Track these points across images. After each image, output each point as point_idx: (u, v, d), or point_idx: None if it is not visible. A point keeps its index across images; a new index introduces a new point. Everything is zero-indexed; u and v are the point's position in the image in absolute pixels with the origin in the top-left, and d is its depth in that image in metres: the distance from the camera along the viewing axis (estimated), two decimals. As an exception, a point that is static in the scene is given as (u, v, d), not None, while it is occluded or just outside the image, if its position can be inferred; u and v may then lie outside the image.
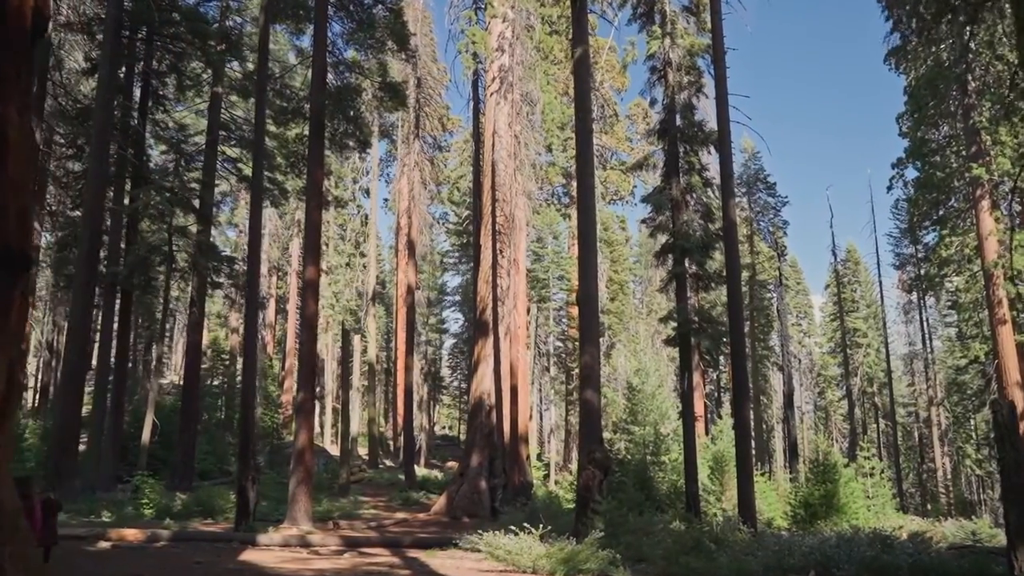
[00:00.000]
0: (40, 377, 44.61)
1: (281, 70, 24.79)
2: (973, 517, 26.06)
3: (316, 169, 18.27)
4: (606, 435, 26.38)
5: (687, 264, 18.85)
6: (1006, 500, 9.39)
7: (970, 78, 25.81)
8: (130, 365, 31.90)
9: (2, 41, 2.54)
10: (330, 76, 20.10)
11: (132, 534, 13.05)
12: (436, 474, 36.52)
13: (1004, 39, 24.26)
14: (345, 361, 34.06)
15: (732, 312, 17.60)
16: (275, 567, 10.98)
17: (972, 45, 25.54)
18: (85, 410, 23.96)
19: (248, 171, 25.12)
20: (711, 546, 12.23)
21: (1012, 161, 24.73)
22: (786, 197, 57.30)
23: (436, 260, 55.21)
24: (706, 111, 25.12)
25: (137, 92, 25.41)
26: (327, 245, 43.00)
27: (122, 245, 23.84)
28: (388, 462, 42.93)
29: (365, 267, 41.72)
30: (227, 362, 41.21)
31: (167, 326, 51.09)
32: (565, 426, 46.13)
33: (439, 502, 23.40)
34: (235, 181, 30.54)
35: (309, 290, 17.93)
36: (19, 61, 2.67)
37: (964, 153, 27.28)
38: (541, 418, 46.66)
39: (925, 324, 50.02)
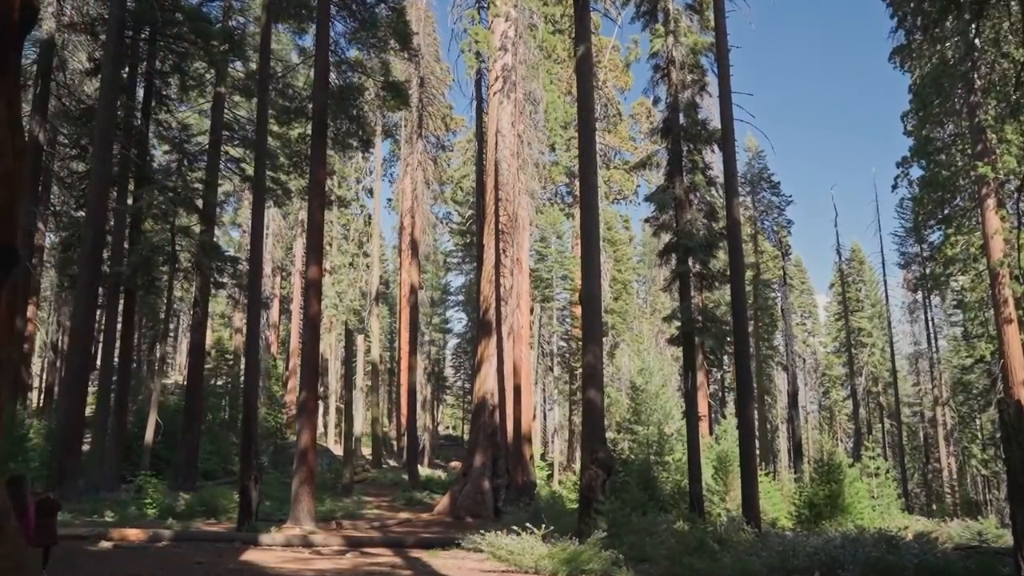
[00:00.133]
0: (45, 377, 44.75)
1: (284, 69, 24.79)
2: (979, 517, 25.89)
3: (319, 168, 18.26)
4: (610, 435, 26.32)
5: (691, 263, 18.78)
6: (1012, 500, 9.30)
7: (975, 76, 25.66)
8: (134, 365, 31.98)
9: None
10: (333, 75, 20.09)
11: (134, 534, 13.04)
12: (440, 474, 36.52)
13: (1010, 36, 24.14)
14: (348, 361, 34.06)
15: (736, 311, 17.52)
16: (276, 567, 10.96)
17: (977, 42, 25.40)
18: (89, 410, 24.00)
19: (251, 171, 25.15)
20: (715, 546, 12.17)
21: (1018, 159, 24.58)
22: (790, 196, 57.16)
23: (440, 260, 55.25)
24: (709, 109, 25.06)
25: (140, 92, 25.44)
26: (330, 245, 43.04)
27: (125, 245, 23.86)
28: (392, 462, 42.94)
29: (368, 267, 41.73)
30: (231, 362, 41.24)
31: (171, 326, 51.20)
32: (569, 426, 46.07)
33: (442, 502, 23.37)
34: (238, 181, 30.57)
35: (312, 290, 17.92)
36: (7, 55, 2.63)
37: (969, 151, 27.13)
38: (545, 418, 46.60)
39: (930, 323, 49.81)
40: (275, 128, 25.54)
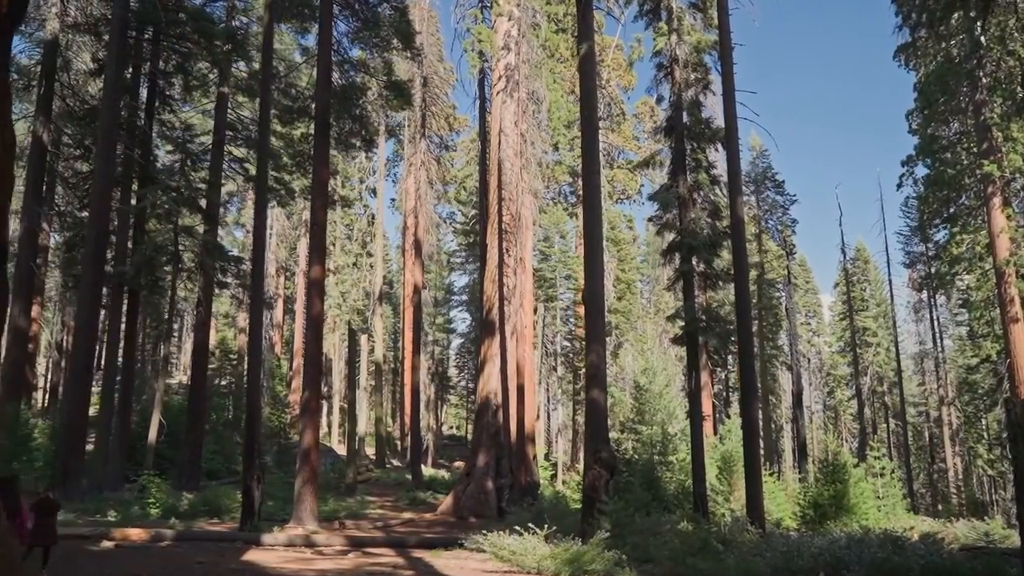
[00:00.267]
0: (50, 377, 44.87)
1: (286, 69, 24.79)
2: (985, 518, 25.75)
3: (322, 168, 18.25)
4: (613, 435, 26.20)
5: (694, 262, 18.70)
6: (1019, 500, 9.22)
7: (981, 74, 25.50)
8: (138, 365, 32.04)
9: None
10: (335, 75, 20.07)
11: (136, 534, 13.03)
12: (443, 474, 36.49)
13: (1015, 33, 23.97)
14: (352, 361, 34.06)
15: (740, 310, 17.44)
16: (277, 567, 10.93)
17: (983, 40, 25.25)
18: (93, 410, 24.03)
19: (255, 171, 25.17)
20: (718, 547, 12.10)
21: (1023, 157, 24.44)
22: (794, 195, 57.15)
23: (443, 260, 55.22)
24: (713, 108, 24.95)
25: (144, 92, 25.46)
26: (334, 245, 43.04)
27: (129, 245, 23.89)
28: (395, 462, 42.94)
29: (372, 267, 41.74)
30: (235, 362, 41.27)
31: (175, 326, 51.34)
32: (572, 426, 46.01)
33: (445, 502, 23.33)
34: (242, 181, 30.59)
35: (314, 289, 17.93)
36: (-4, 48, 2.59)
37: (975, 150, 26.97)
38: (548, 418, 46.52)
39: (936, 323, 49.59)
40: (278, 128, 25.55)
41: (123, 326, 23.81)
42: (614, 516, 12.95)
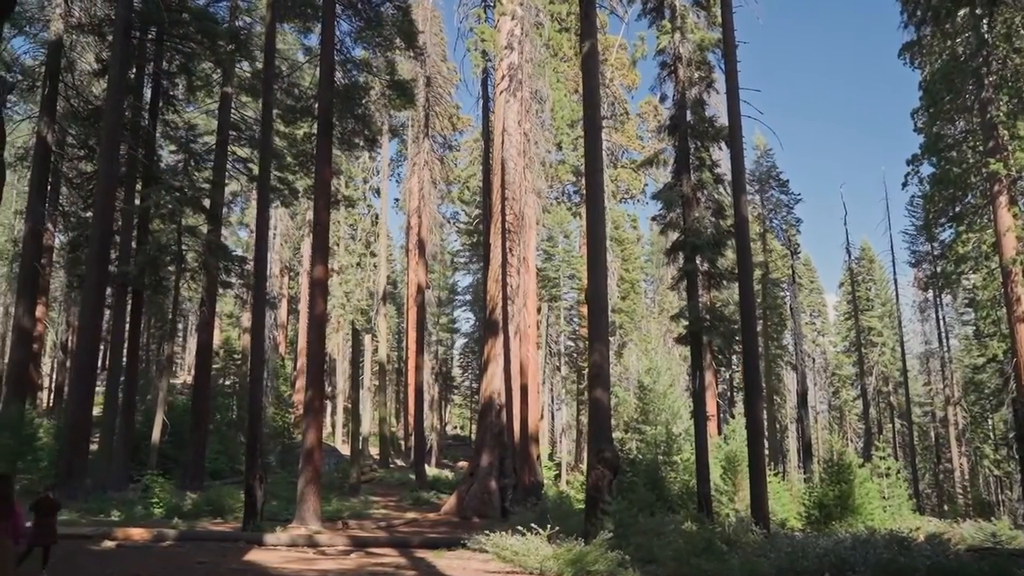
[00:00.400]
0: (55, 377, 45.02)
1: (289, 69, 24.78)
2: (992, 518, 25.56)
3: (324, 168, 18.23)
4: (617, 435, 26.15)
5: (698, 261, 18.62)
6: (1027, 501, 9.11)
7: (987, 71, 25.34)
8: (142, 365, 32.08)
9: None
10: (338, 74, 20.05)
11: (138, 533, 13.02)
12: (447, 474, 36.46)
13: (1022, 31, 23.82)
14: (356, 361, 34.08)
15: (744, 310, 17.36)
16: (279, 567, 10.90)
17: (989, 38, 25.10)
18: (97, 410, 24.08)
19: (258, 171, 25.18)
20: (723, 547, 12.03)
21: (1030, 155, 24.27)
22: (799, 194, 56.86)
23: (447, 260, 55.23)
24: (717, 106, 24.88)
25: (148, 93, 25.49)
26: (337, 245, 43.06)
27: (133, 245, 23.92)
28: (399, 462, 42.93)
29: (376, 267, 41.76)
30: (239, 362, 41.32)
31: (179, 326, 51.43)
32: (577, 426, 45.94)
33: (449, 502, 23.30)
34: (245, 181, 30.64)
35: (318, 289, 17.91)
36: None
37: (981, 148, 26.80)
38: (553, 418, 46.48)
39: (941, 322, 49.36)
40: (281, 128, 25.55)
41: (127, 326, 23.82)
42: (618, 516, 12.89)
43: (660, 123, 23.74)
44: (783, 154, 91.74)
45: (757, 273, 40.48)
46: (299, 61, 26.99)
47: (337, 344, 47.72)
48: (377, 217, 43.31)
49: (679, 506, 19.55)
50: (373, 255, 43.18)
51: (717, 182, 19.31)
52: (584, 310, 39.67)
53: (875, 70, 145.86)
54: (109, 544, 12.23)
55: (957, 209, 29.33)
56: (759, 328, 37.96)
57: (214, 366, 36.05)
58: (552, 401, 45.70)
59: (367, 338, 44.82)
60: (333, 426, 48.10)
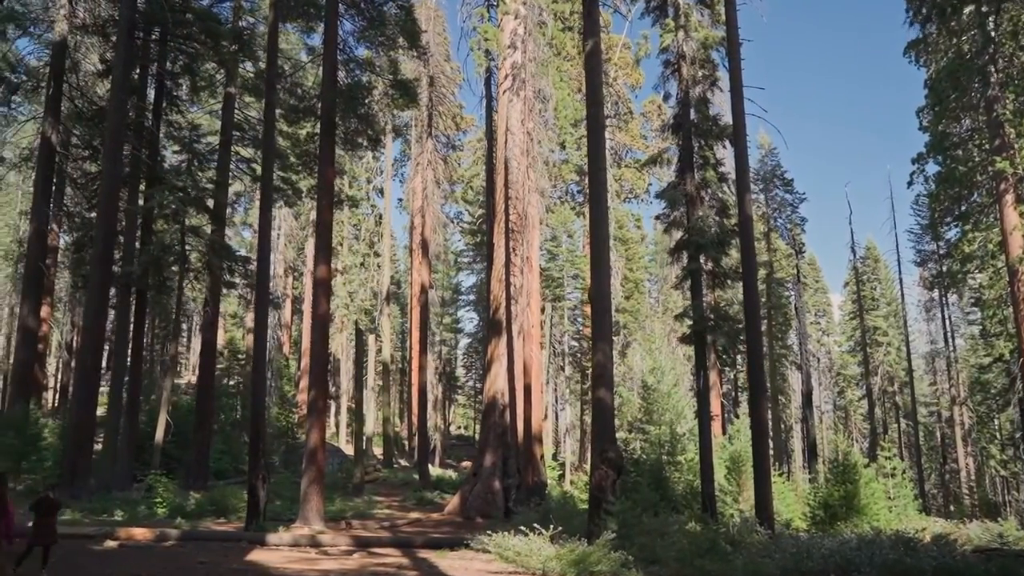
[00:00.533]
0: (60, 377, 45.15)
1: (292, 68, 24.78)
2: (999, 519, 25.43)
3: (327, 167, 18.21)
4: (621, 435, 26.10)
5: (702, 261, 18.55)
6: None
7: (993, 69, 25.20)
8: (146, 365, 32.14)
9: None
10: (341, 74, 20.01)
11: (140, 533, 13.01)
12: (451, 474, 36.44)
13: (1029, 28, 23.67)
14: (359, 361, 34.08)
15: (748, 309, 17.27)
16: (280, 567, 10.87)
17: (995, 35, 24.95)
18: (102, 410, 24.11)
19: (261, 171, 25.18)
20: (727, 548, 11.97)
21: (1037, 154, 24.12)
22: (804, 193, 56.30)
23: (450, 259, 55.23)
24: (721, 105, 24.80)
25: (151, 93, 25.53)
26: (341, 245, 43.10)
27: (137, 245, 23.95)
28: (403, 462, 42.93)
29: (379, 267, 41.78)
30: (243, 362, 41.40)
31: (183, 326, 51.50)
32: (580, 426, 45.87)
33: (453, 502, 23.27)
34: (249, 181, 30.65)
35: (320, 289, 17.89)
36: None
37: (987, 146, 26.64)
38: (557, 418, 46.43)
39: (947, 322, 49.12)
40: (284, 128, 25.55)
41: (131, 326, 23.84)
42: (621, 516, 12.83)
43: (664, 122, 23.71)
44: (787, 153, 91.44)
45: (761, 272, 40.33)
46: (302, 61, 26.98)
47: (341, 344, 47.77)
48: (381, 217, 43.35)
49: (683, 506, 19.47)
50: (377, 255, 43.21)
51: (721, 181, 19.24)
52: (588, 310, 39.61)
53: (880, 68, 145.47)
54: (111, 544, 12.21)
55: (963, 208, 29.18)
56: (763, 328, 37.87)
57: (218, 366, 36.10)
58: (556, 401, 45.63)
59: (371, 338, 44.83)
60: (337, 426, 48.15)
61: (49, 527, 9.29)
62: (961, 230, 29.50)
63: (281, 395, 39.47)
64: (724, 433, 28.17)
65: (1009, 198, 25.39)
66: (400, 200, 49.71)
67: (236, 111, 26.49)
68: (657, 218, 23.18)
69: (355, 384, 36.68)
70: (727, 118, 19.21)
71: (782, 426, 52.47)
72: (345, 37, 20.76)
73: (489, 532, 12.42)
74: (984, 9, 25.33)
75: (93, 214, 25.28)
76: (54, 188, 25.64)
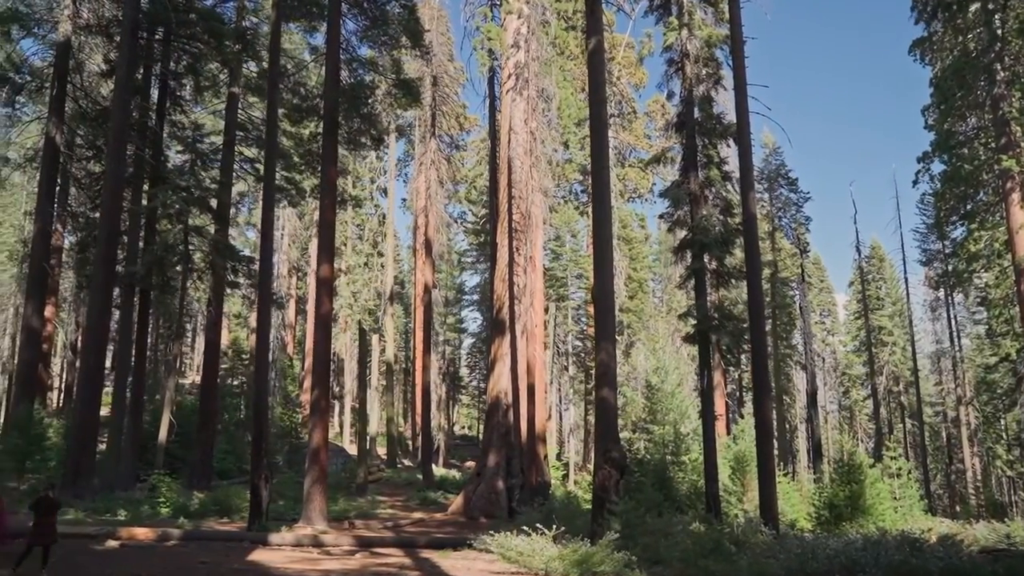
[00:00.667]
0: (64, 377, 45.25)
1: (295, 68, 24.78)
2: (1006, 519, 25.25)
3: (330, 167, 18.19)
4: (625, 435, 25.99)
5: (706, 260, 18.47)
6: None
7: (999, 67, 25.06)
8: (150, 365, 32.18)
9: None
10: (344, 73, 20.01)
11: (142, 533, 12.99)
12: (454, 474, 36.40)
13: (1035, 26, 23.51)
14: (362, 360, 34.02)
15: (753, 308, 17.19)
16: (282, 567, 10.84)
17: (1001, 33, 24.81)
18: (105, 410, 24.14)
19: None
20: (731, 548, 11.89)
21: (1044, 152, 23.97)
22: (808, 192, 56.36)
23: (454, 259, 55.22)
24: (725, 104, 24.66)
25: (155, 93, 25.55)
26: (345, 245, 43.10)
27: (140, 245, 23.97)
28: (407, 462, 42.92)
29: (383, 267, 41.77)
30: (247, 362, 41.39)
31: (188, 326, 51.60)
32: (584, 426, 45.79)
33: (456, 502, 23.23)
34: (252, 181, 30.63)
35: (323, 288, 17.85)
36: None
37: (993, 145, 26.51)
38: (561, 418, 46.34)
39: (953, 321, 48.90)
40: (288, 128, 25.55)
41: (135, 326, 23.86)
42: (624, 516, 12.77)
43: (667, 121, 23.62)
44: (792, 152, 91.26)
45: (766, 272, 40.22)
46: (305, 60, 26.99)
47: (345, 344, 47.80)
48: (384, 217, 43.34)
49: (687, 506, 19.39)
50: (380, 255, 43.19)
51: (725, 179, 19.15)
52: (591, 310, 39.51)
53: (885, 66, 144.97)
54: (112, 544, 12.20)
55: (969, 207, 29.03)
56: (768, 327, 37.73)
57: (222, 366, 36.10)
58: (560, 401, 45.55)
59: (375, 338, 44.83)
60: (341, 426, 48.18)
61: (49, 527, 9.27)
62: (967, 229, 29.36)
63: (285, 395, 39.47)
64: (728, 433, 28.06)
65: (1015, 196, 25.25)
66: (404, 200, 49.77)
67: (240, 111, 26.50)
68: (661, 217, 23.12)
69: (359, 384, 36.68)
70: (731, 116, 19.12)
71: (787, 426, 52.32)
72: (348, 36, 20.78)
73: (492, 532, 12.37)
74: (990, 6, 25.20)
75: (97, 214, 25.32)
76: (58, 188, 25.68)
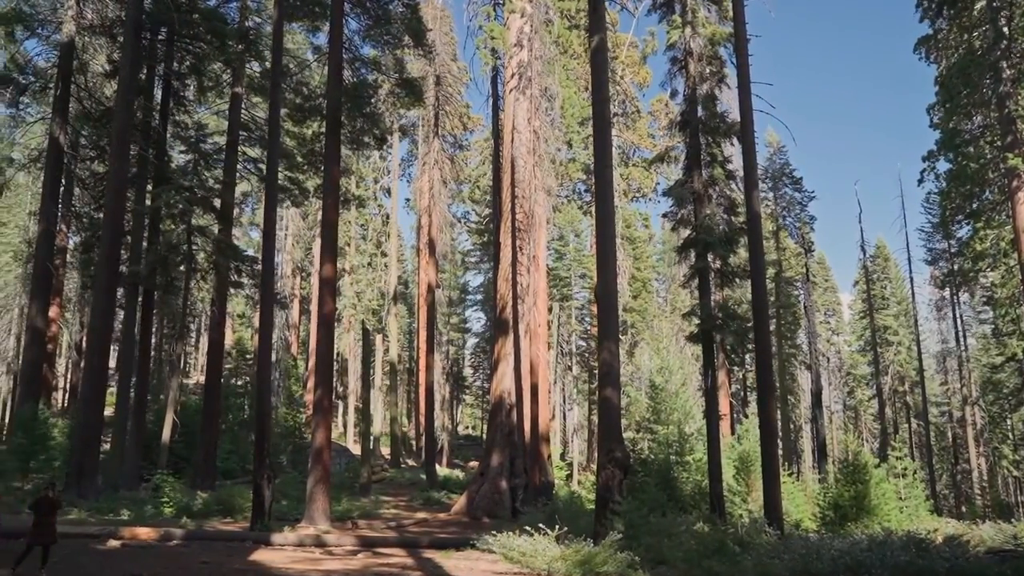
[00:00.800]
0: (69, 377, 45.38)
1: (297, 67, 24.78)
2: (1012, 520, 25.11)
3: (332, 166, 18.18)
4: (629, 435, 25.91)
5: (710, 259, 18.38)
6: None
7: (1005, 65, 24.90)
8: (153, 365, 32.22)
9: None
10: (347, 73, 20.00)
11: (145, 533, 12.98)
12: (458, 474, 36.38)
13: (1041, 23, 23.36)
14: (366, 360, 34.07)
15: (757, 308, 17.11)
16: (283, 567, 10.81)
17: (1007, 31, 24.66)
18: (109, 410, 24.16)
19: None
20: (735, 549, 11.82)
21: (1050, 150, 23.81)
22: (813, 192, 56.16)
23: (458, 259, 55.21)
24: (728, 103, 24.59)
25: (159, 93, 25.59)
26: (348, 245, 43.09)
27: (144, 245, 24.00)
28: (410, 462, 42.91)
29: (386, 267, 41.75)
30: (251, 362, 41.47)
31: (192, 326, 51.69)
32: (588, 426, 45.71)
33: (459, 502, 23.20)
34: (256, 181, 30.66)
35: (326, 288, 17.84)
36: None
37: (999, 143, 26.34)
38: (564, 418, 46.28)
39: (959, 321, 48.66)
40: (291, 127, 25.56)
41: (138, 326, 23.90)
42: (628, 517, 12.70)
43: (671, 120, 23.54)
44: (796, 151, 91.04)
45: (770, 271, 40.08)
46: (308, 60, 26.99)
47: (349, 344, 47.79)
48: (388, 217, 43.32)
49: (691, 506, 19.31)
50: (384, 255, 43.18)
51: (729, 178, 19.06)
52: (595, 309, 39.43)
53: (890, 65, 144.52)
54: (114, 543, 12.18)
55: (974, 205, 28.87)
56: (772, 327, 37.58)
57: (226, 366, 36.15)
58: (564, 401, 45.50)
59: (378, 338, 44.82)
60: (345, 426, 48.18)
61: (48, 526, 9.25)
62: (973, 228, 29.19)
63: (289, 395, 39.49)
64: (733, 433, 27.95)
65: (1022, 195, 25.08)
66: (407, 200, 49.72)
67: (243, 111, 26.52)
68: (664, 216, 23.04)
69: (362, 384, 36.70)
70: (735, 115, 19.04)
71: (791, 426, 52.17)
72: (351, 36, 20.77)
73: (495, 532, 12.32)
74: (996, 4, 25.05)
75: (101, 214, 25.35)
76: (62, 189, 25.73)
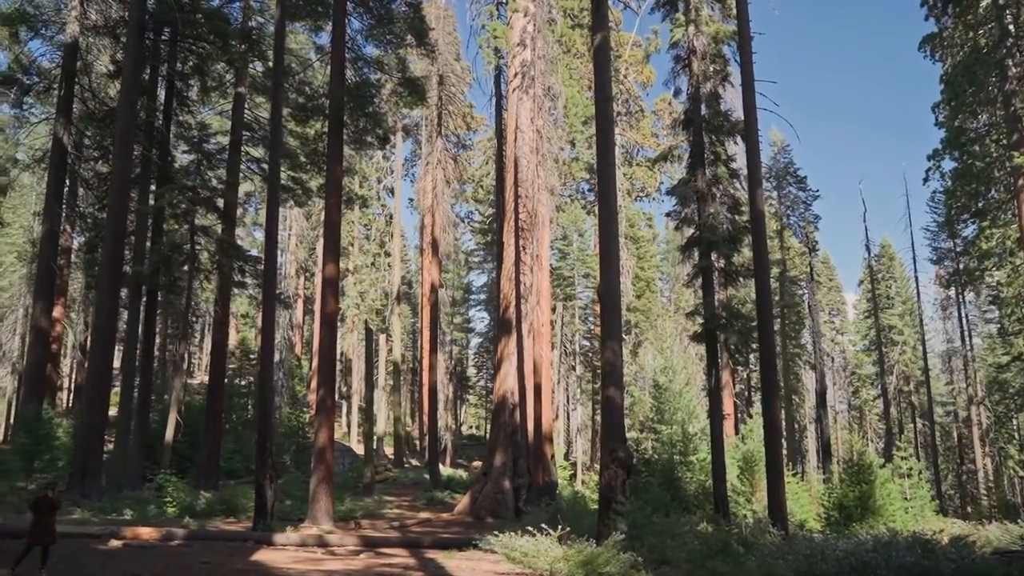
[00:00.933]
0: (74, 377, 45.51)
1: (299, 66, 24.77)
2: (1019, 520, 24.96)
3: (335, 166, 18.17)
4: (633, 434, 25.86)
5: (714, 258, 18.32)
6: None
7: (1011, 63, 24.76)
8: (157, 365, 32.28)
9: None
10: (349, 72, 19.99)
11: (147, 533, 12.98)
12: (461, 474, 36.36)
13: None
14: (369, 360, 34.05)
15: (761, 307, 17.02)
16: (285, 567, 10.78)
17: (1012, 28, 24.52)
18: (113, 410, 24.20)
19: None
20: (739, 549, 11.75)
21: (1056, 148, 23.66)
22: (817, 191, 55.71)
23: (461, 259, 55.21)
24: (732, 101, 24.51)
25: (162, 94, 25.62)
26: (352, 245, 43.13)
27: (148, 245, 24.03)
28: (414, 461, 42.91)
29: (390, 266, 41.78)
30: (255, 362, 41.50)
31: (196, 326, 51.74)
32: (592, 425, 45.64)
33: (463, 502, 23.16)
34: (259, 181, 30.70)
35: (329, 288, 17.83)
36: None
37: (1004, 142, 26.21)
38: (568, 418, 46.24)
39: (964, 320, 48.46)
40: (294, 127, 25.55)
41: (142, 326, 23.92)
42: (631, 517, 12.64)
43: (675, 119, 23.46)
44: (801, 150, 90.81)
45: (774, 270, 39.94)
46: (310, 59, 26.98)
47: (352, 344, 47.83)
48: (391, 217, 43.36)
49: (695, 507, 19.24)
50: (387, 255, 43.21)
51: (733, 177, 18.99)
52: (599, 309, 39.36)
53: (895, 63, 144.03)
54: (116, 543, 12.18)
55: (980, 204, 28.72)
56: (776, 326, 37.49)
57: (230, 366, 36.20)
58: (567, 401, 45.45)
59: (382, 338, 44.84)
60: (348, 426, 48.22)
61: (48, 526, 9.23)
62: (978, 227, 29.06)
63: (292, 395, 39.54)
64: (737, 433, 27.88)
65: (1028, 194, 24.94)
66: (411, 200, 49.75)
67: (246, 111, 26.53)
68: (668, 215, 22.97)
69: (366, 384, 36.71)
70: (738, 114, 18.94)
71: (796, 426, 51.98)
72: (353, 35, 20.76)
73: (497, 532, 12.29)
74: (1002, 1, 24.92)
75: (104, 215, 25.38)
76: (66, 189, 25.75)
